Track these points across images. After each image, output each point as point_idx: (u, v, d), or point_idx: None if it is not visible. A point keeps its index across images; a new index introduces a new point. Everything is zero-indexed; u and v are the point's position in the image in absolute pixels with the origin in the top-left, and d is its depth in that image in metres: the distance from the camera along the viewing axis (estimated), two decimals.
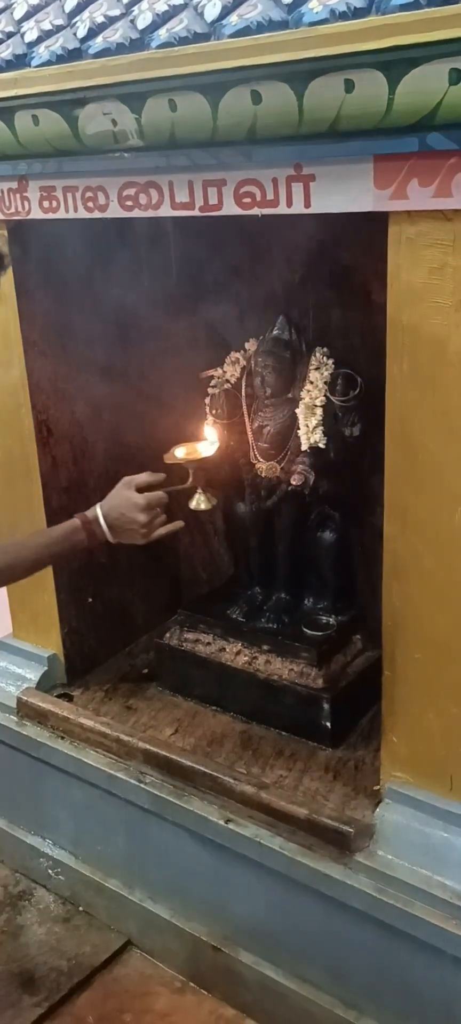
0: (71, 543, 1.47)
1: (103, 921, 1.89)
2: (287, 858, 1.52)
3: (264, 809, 1.58)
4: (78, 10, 1.45)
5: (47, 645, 2.02)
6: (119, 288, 1.95)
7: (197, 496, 1.55)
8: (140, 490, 1.47)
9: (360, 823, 1.50)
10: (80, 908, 1.93)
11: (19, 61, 1.46)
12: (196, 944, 1.71)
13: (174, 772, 1.71)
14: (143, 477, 1.49)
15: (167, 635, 1.99)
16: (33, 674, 2.00)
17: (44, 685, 1.99)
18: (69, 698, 1.98)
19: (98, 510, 1.46)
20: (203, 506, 1.56)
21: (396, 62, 1.10)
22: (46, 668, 2.00)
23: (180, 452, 1.54)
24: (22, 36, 1.49)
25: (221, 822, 1.60)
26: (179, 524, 1.53)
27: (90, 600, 2.07)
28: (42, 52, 1.43)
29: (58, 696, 1.97)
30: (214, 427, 1.66)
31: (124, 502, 1.47)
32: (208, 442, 1.62)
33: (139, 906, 1.80)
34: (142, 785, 1.72)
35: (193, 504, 1.56)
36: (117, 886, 1.85)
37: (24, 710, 1.96)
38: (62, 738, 1.89)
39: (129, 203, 1.49)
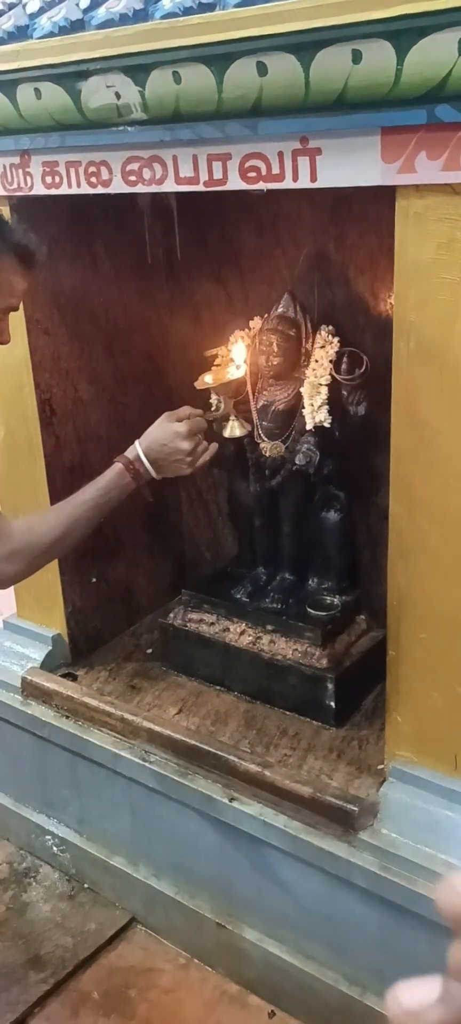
0: (119, 489, 1.43)
1: (108, 898, 1.90)
2: (291, 836, 1.52)
3: (268, 788, 1.58)
4: None
5: (51, 625, 2.02)
6: (122, 264, 1.94)
7: (231, 423, 1.49)
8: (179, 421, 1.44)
9: (364, 802, 1.51)
10: (85, 885, 1.94)
11: (21, 33, 1.44)
12: (200, 921, 1.72)
13: (178, 751, 1.71)
14: (184, 410, 1.45)
15: (171, 615, 1.98)
16: (37, 654, 2.00)
17: (48, 665, 1.99)
18: (73, 678, 1.98)
19: (138, 448, 1.42)
20: (237, 432, 1.49)
21: (404, 32, 1.08)
22: (50, 648, 2.00)
23: (209, 378, 1.49)
24: (24, 7, 1.47)
25: (225, 800, 1.61)
26: (215, 446, 1.47)
27: (94, 580, 2.07)
28: (44, 23, 1.40)
29: (62, 676, 1.98)
30: (240, 346, 1.58)
31: (165, 434, 1.42)
32: (235, 365, 1.56)
33: (144, 883, 1.81)
34: (147, 764, 1.73)
35: (227, 432, 1.50)
36: (122, 864, 1.86)
37: (29, 689, 1.96)
38: (67, 717, 1.89)
39: (132, 178, 1.47)
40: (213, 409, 1.47)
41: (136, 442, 1.44)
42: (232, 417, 1.49)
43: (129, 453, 1.44)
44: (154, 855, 1.81)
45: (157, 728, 1.75)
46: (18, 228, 1.35)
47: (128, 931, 1.84)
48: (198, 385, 1.50)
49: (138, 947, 1.80)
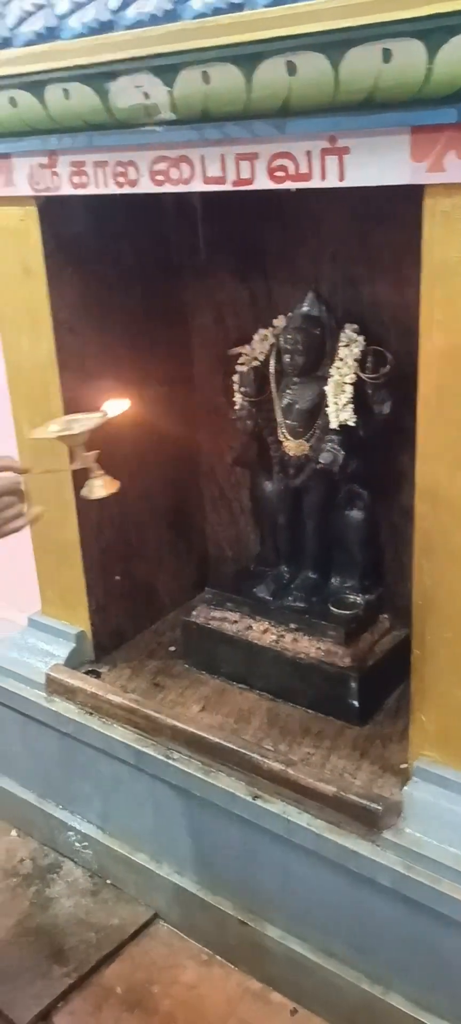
0: None
1: (131, 894, 1.91)
2: (314, 835, 1.53)
3: (291, 786, 1.58)
4: None
5: (75, 622, 2.03)
6: (146, 264, 1.94)
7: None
8: None
9: (388, 801, 1.50)
10: (108, 882, 1.96)
11: (50, 33, 1.45)
12: (223, 918, 1.72)
13: (202, 748, 1.72)
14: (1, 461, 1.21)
15: (194, 613, 1.99)
16: (61, 651, 2.02)
17: (72, 662, 2.01)
18: (97, 675, 1.99)
19: None
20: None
21: (435, 30, 1.08)
22: (74, 645, 2.01)
23: (55, 427, 1.23)
24: (53, 8, 1.47)
25: (249, 798, 1.61)
26: (38, 511, 1.24)
27: (117, 578, 2.08)
28: (73, 24, 1.41)
29: (86, 673, 1.99)
30: (122, 396, 1.36)
31: None
32: (98, 414, 1.31)
33: (167, 880, 1.82)
34: (170, 761, 1.74)
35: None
36: (145, 860, 1.87)
37: (53, 686, 1.98)
38: (90, 714, 1.90)
39: (160, 178, 1.48)
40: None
41: None
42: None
43: None
44: (177, 852, 1.81)
45: (180, 725, 1.76)
46: None
47: (151, 927, 1.84)
48: (36, 434, 1.25)
49: (161, 943, 1.81)
